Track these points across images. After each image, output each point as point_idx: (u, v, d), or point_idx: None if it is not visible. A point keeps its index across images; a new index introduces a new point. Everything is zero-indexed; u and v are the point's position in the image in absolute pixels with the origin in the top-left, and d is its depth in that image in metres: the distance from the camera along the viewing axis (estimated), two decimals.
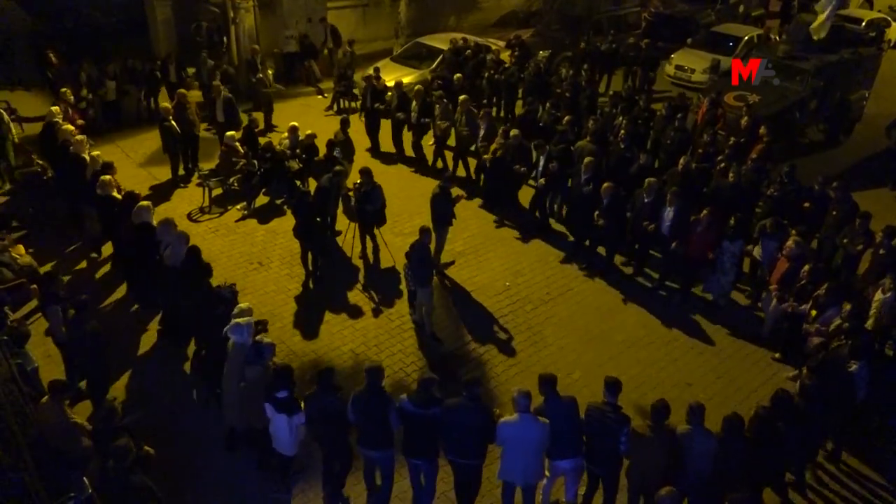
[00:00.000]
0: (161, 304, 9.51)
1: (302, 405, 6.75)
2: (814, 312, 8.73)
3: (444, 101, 13.82)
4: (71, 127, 11.73)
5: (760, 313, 10.11)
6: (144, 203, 9.57)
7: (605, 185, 10.53)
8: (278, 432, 6.82)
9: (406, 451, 6.79)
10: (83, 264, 10.92)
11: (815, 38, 14.31)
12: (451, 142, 13.89)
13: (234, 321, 7.22)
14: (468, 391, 6.49)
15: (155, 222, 9.38)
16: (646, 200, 10.45)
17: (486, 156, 12.65)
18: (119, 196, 10.05)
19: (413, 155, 14.39)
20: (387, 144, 14.65)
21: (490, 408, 6.76)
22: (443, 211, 10.54)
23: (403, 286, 10.23)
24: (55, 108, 12.33)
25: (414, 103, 13.75)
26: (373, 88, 14.41)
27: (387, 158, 14.50)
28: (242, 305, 7.64)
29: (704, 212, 10.01)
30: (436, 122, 13.70)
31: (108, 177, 10.10)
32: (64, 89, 13.32)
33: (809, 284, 8.99)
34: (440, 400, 6.55)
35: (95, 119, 14.70)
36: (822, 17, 14.00)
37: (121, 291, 10.27)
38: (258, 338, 7.27)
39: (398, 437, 6.74)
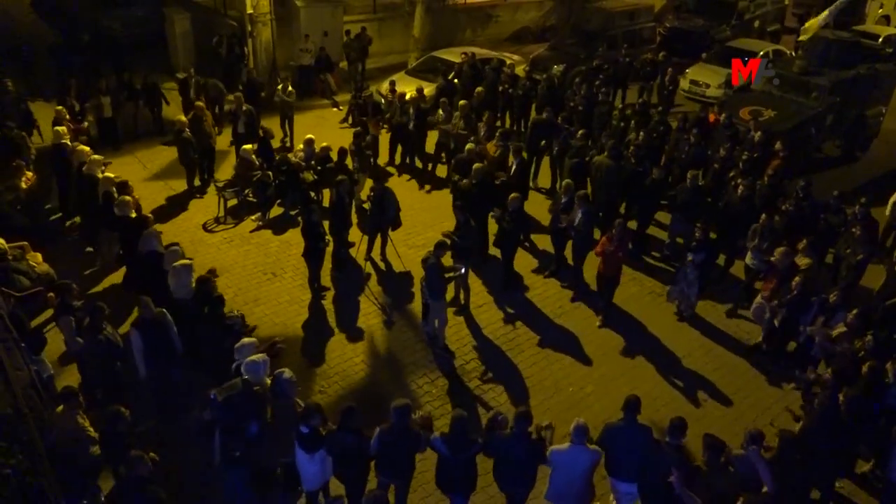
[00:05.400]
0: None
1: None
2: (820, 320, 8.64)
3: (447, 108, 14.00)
4: (87, 148, 11.53)
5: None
6: (151, 230, 9.26)
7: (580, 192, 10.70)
8: (303, 467, 6.62)
9: (441, 485, 6.77)
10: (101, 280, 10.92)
11: (802, 37, 14.51)
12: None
13: (249, 359, 6.97)
14: (517, 425, 6.44)
15: (164, 248, 9.08)
16: (563, 201, 10.79)
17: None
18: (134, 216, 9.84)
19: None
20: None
21: (539, 444, 6.56)
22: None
23: (418, 298, 10.26)
24: (61, 129, 12.00)
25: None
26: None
27: (400, 170, 14.60)
28: (245, 341, 7.43)
29: (617, 222, 9.95)
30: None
31: (127, 197, 9.95)
32: None
33: (799, 296, 8.86)
34: (476, 441, 6.50)
35: (93, 135, 14.17)
36: (820, 18, 14.18)
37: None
38: (281, 371, 6.96)
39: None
